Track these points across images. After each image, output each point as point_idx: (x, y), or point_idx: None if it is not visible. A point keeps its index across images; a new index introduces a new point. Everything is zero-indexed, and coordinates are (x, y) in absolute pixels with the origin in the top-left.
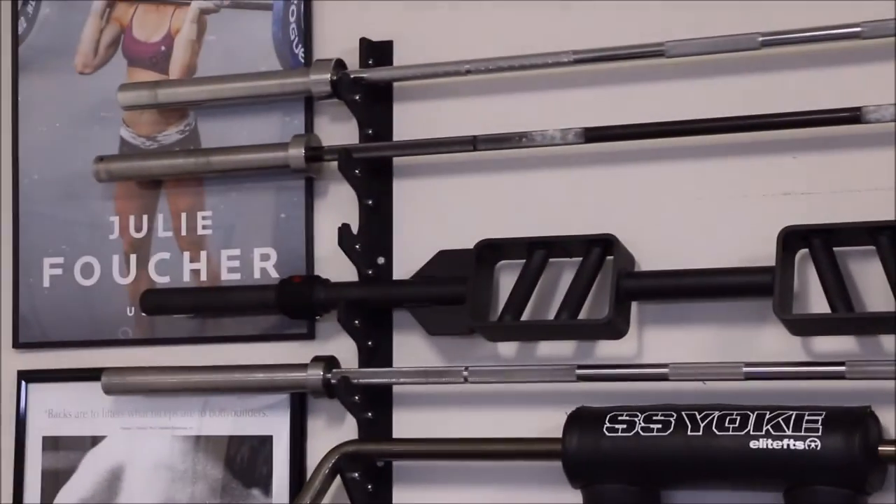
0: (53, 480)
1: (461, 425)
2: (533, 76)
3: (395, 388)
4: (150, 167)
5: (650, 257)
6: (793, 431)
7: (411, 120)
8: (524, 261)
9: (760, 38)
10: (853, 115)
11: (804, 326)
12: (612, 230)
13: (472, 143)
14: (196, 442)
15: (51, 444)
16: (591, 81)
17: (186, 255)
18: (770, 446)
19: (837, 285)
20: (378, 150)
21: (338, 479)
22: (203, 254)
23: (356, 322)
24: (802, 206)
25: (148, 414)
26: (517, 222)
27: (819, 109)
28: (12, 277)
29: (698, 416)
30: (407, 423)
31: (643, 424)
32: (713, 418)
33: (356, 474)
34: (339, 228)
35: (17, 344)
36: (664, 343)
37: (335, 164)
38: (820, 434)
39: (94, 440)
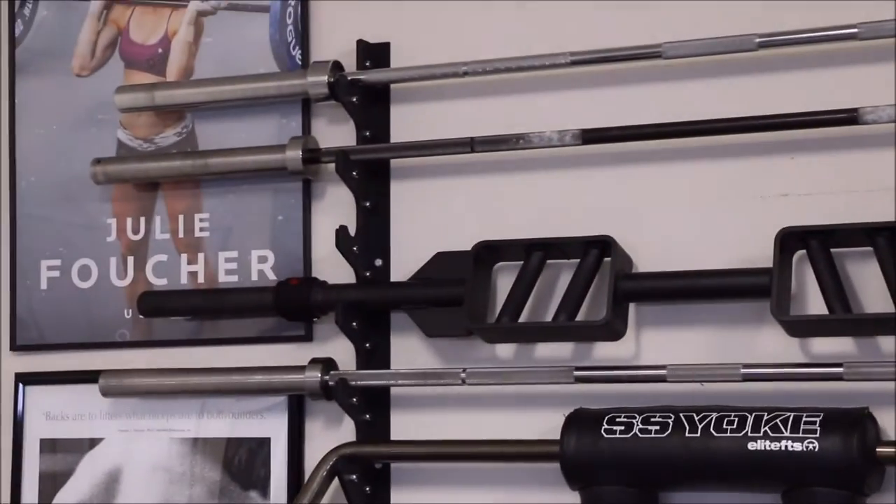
0: (51, 483)
1: (459, 427)
2: (530, 78)
3: (393, 390)
4: (148, 169)
5: (648, 259)
6: (791, 433)
7: (409, 122)
8: (522, 262)
9: (757, 40)
10: (850, 116)
11: (802, 328)
12: (609, 232)
13: (470, 144)
14: (194, 444)
15: (48, 446)
16: (588, 83)
17: (184, 257)
18: (768, 448)
19: (835, 286)
20: (375, 152)
21: (336, 481)
22: (200, 256)
23: (354, 324)
24: (800, 207)
25: (145, 416)
26: (515, 224)
27: (816, 110)
28: (10, 280)
29: (696, 418)
30: (405, 425)
31: (641, 426)
32: (711, 420)
33: (354, 476)
34: (337, 230)
35: (15, 346)
36: (662, 344)
37: (332, 166)
38: (818, 435)
39: (92, 442)
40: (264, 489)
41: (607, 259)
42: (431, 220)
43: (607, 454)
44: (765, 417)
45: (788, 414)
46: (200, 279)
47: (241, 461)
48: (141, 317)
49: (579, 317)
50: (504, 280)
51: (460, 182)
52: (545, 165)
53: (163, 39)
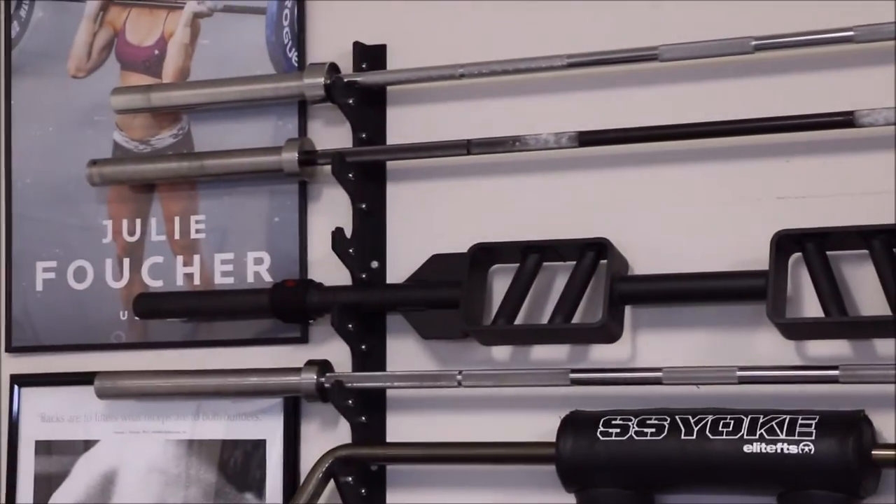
0: (46, 485)
1: (455, 429)
2: (527, 80)
3: (389, 392)
4: (144, 171)
5: (644, 261)
6: (786, 435)
7: (405, 124)
8: (518, 265)
9: (754, 42)
10: (846, 119)
11: (798, 330)
12: (605, 234)
13: (466, 146)
14: (189, 446)
15: (44, 448)
16: (584, 85)
17: (180, 258)
18: (764, 450)
19: (831, 289)
20: (371, 154)
21: (331, 483)
22: (196, 257)
23: (350, 326)
24: (796, 210)
25: (141, 418)
26: (511, 226)
27: (812, 113)
28: (5, 281)
29: (692, 420)
30: (401, 427)
31: (637, 428)
32: (707, 422)
33: (350, 478)
34: (333, 232)
35: (10, 348)
36: (658, 347)
37: (329, 167)
38: (814, 438)
39: (87, 444)
40: (260, 491)
41: (603, 261)
42: (427, 223)
43: (603, 456)
44: (761, 420)
45: (784, 416)
46: (196, 281)
47: (237, 463)
48: (137, 318)
49: (575, 319)
50: (500, 282)
51: (456, 184)
52: (541, 168)
53: (159, 41)
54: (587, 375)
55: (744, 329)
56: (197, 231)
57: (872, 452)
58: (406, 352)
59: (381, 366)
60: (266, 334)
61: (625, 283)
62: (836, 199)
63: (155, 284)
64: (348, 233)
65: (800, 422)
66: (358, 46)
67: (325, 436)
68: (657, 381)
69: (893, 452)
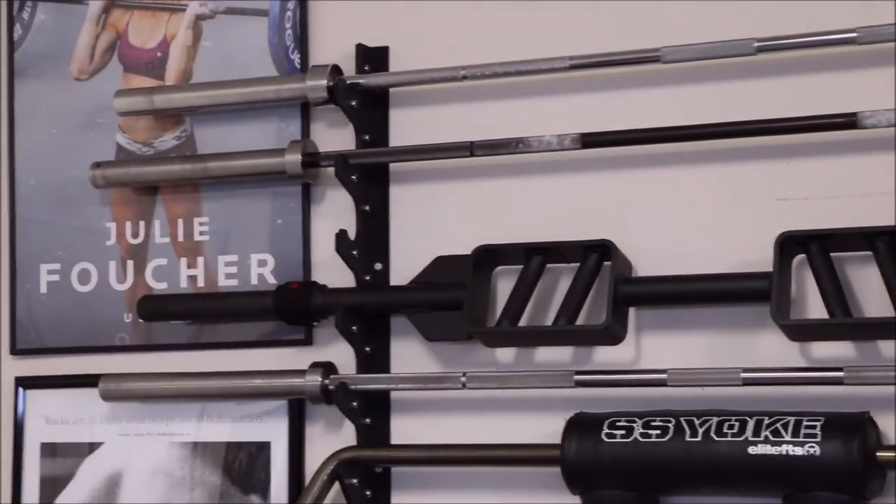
0: (51, 487)
1: (459, 431)
2: (529, 82)
3: (394, 394)
4: (147, 173)
5: (647, 263)
6: (791, 437)
7: (408, 126)
8: (522, 266)
9: (756, 44)
10: (849, 121)
11: (802, 332)
12: (609, 236)
13: (469, 148)
14: (194, 448)
15: (48, 450)
16: (587, 87)
17: (183, 261)
18: (768, 452)
19: (835, 290)
20: (375, 156)
21: (336, 485)
22: (200, 260)
23: (354, 328)
24: (799, 212)
25: (145, 420)
26: (514, 228)
27: (815, 115)
28: (9, 284)
29: (696, 422)
30: (405, 429)
31: (641, 430)
32: (711, 424)
33: (354, 480)
34: (337, 234)
35: (15, 350)
36: (662, 349)
37: (332, 169)
38: (818, 440)
39: (92, 447)
40: (264, 493)
41: (607, 263)
42: (431, 224)
43: (608, 458)
44: (765, 422)
45: (789, 418)
46: (200, 283)
47: (242, 465)
48: (140, 321)
49: (579, 321)
50: (504, 284)
51: (460, 186)
52: (544, 169)
53: (162, 43)
54: (591, 377)
55: (748, 331)
56: (200, 233)
57: (877, 454)
58: (410, 354)
59: (385, 368)
60: (270, 336)
61: (628, 285)
62: (839, 200)
63: (159, 286)
64: (352, 235)
65: (805, 423)
66: (360, 48)
67: (330, 438)
68: (661, 383)
69: None
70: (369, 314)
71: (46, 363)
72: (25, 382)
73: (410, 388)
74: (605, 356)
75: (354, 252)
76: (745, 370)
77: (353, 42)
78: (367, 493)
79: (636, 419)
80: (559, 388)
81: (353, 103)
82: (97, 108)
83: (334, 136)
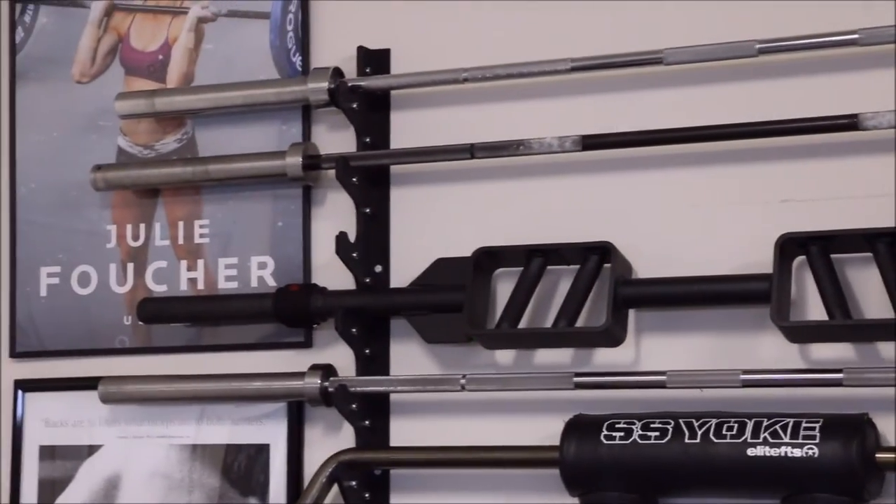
0: (50, 489)
1: (459, 433)
2: (530, 84)
3: (393, 397)
4: (148, 176)
5: (647, 264)
6: (790, 439)
7: (409, 128)
8: (522, 268)
9: (758, 46)
10: (851, 122)
11: (802, 333)
12: (609, 237)
13: (470, 150)
14: (193, 451)
15: (47, 453)
16: (588, 89)
17: (184, 263)
18: (768, 454)
19: (835, 292)
20: (375, 159)
21: (335, 487)
22: (200, 262)
23: (353, 330)
24: (800, 213)
25: (145, 423)
26: (515, 230)
27: (816, 116)
28: (9, 286)
29: (696, 424)
30: (404, 432)
31: (641, 432)
32: (711, 426)
33: (353, 483)
34: (337, 237)
35: (14, 353)
36: (661, 350)
37: (333, 172)
38: (818, 441)
39: (91, 449)
40: (263, 496)
41: (607, 265)
42: (431, 227)
43: (607, 460)
44: (764, 423)
45: (788, 420)
46: (200, 286)
47: (241, 467)
48: (140, 323)
49: (579, 323)
50: (504, 286)
51: (460, 188)
52: (545, 171)
53: (163, 46)
54: (591, 379)
55: (748, 332)
56: (201, 236)
57: (876, 455)
58: (410, 356)
59: (384, 370)
60: (270, 339)
61: (628, 287)
62: (840, 201)
63: (159, 289)
64: (352, 237)
65: (804, 425)
66: (362, 51)
67: (329, 440)
68: (661, 385)
69: None
70: (369, 316)
71: (46, 366)
72: (25, 385)
73: (410, 390)
74: (604, 358)
75: (354, 254)
76: (745, 372)
77: (354, 44)
78: (366, 495)
79: (635, 421)
80: (559, 390)
81: (355, 105)
82: (98, 111)
83: (335, 138)
